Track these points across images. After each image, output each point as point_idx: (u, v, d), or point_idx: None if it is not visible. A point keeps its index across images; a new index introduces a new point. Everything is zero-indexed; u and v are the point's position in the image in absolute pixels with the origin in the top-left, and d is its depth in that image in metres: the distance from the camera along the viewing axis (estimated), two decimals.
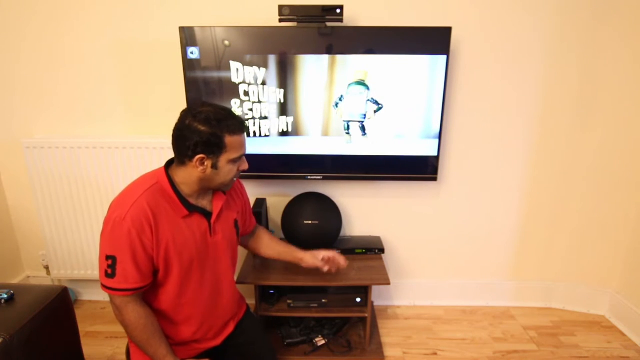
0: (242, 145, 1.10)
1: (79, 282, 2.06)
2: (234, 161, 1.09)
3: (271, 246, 1.47)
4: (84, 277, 1.95)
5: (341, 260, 1.45)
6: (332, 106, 1.67)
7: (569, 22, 1.68)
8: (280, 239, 1.56)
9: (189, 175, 1.08)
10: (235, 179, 1.15)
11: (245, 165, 1.14)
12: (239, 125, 1.07)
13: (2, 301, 1.12)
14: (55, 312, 1.17)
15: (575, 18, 1.67)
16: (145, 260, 1.03)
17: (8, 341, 0.99)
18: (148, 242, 1.02)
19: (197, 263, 1.13)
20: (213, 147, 1.04)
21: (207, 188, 1.13)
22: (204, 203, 1.15)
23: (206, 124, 1.02)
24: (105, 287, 1.03)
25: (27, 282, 2.08)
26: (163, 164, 1.14)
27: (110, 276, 1.01)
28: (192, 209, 1.11)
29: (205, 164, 1.05)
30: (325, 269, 1.44)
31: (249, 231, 1.45)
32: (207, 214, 1.15)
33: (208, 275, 1.18)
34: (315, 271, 1.64)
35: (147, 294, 1.11)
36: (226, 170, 1.09)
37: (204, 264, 1.15)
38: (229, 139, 1.05)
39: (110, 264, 1.01)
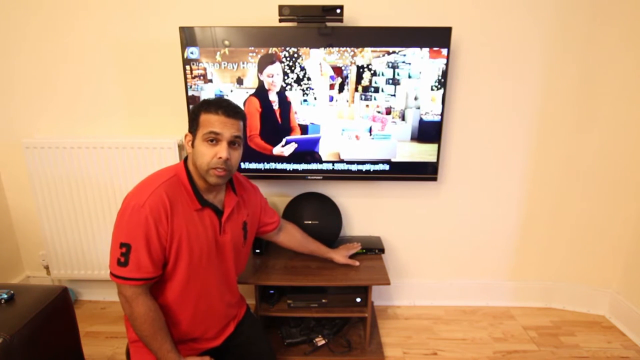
0: (214, 124, 1.05)
1: (79, 282, 2.06)
2: (207, 141, 1.06)
3: (303, 244, 1.60)
4: (84, 277, 1.95)
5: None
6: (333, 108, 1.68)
7: (568, 22, 1.68)
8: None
9: (191, 161, 1.12)
10: (217, 171, 1.07)
11: (221, 153, 1.05)
12: (215, 105, 1.07)
13: (2, 301, 1.12)
14: (55, 312, 1.17)
15: (574, 19, 1.67)
16: (158, 250, 1.04)
17: (8, 341, 0.99)
18: (163, 232, 1.04)
19: (205, 259, 1.14)
20: (192, 124, 1.10)
21: (201, 175, 1.10)
22: (215, 201, 1.17)
23: (197, 103, 1.12)
24: (115, 277, 1.03)
25: (27, 282, 2.08)
26: (163, 164, 1.15)
27: (123, 264, 1.01)
28: (204, 203, 1.12)
29: (189, 143, 1.11)
30: (357, 264, 1.64)
31: (274, 228, 1.48)
32: (218, 212, 1.17)
33: (213, 274, 1.18)
34: (315, 271, 1.64)
35: (153, 289, 1.11)
36: (200, 150, 1.07)
37: (211, 261, 1.16)
38: (203, 116, 1.07)
39: (124, 252, 1.01)
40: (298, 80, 1.64)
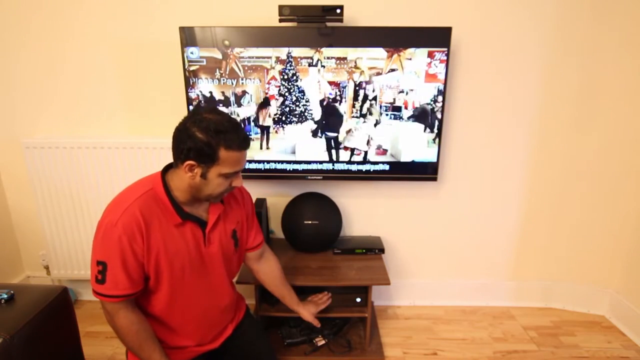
0: (238, 162, 1.03)
1: (79, 282, 2.06)
2: (225, 176, 1.04)
3: (279, 285, 1.44)
4: (84, 277, 1.95)
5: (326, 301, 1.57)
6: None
7: (568, 23, 1.68)
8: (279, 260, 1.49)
9: (180, 180, 1.05)
10: (225, 194, 1.10)
11: (239, 182, 1.08)
12: (238, 141, 1.00)
13: (2, 301, 1.12)
14: (55, 312, 1.17)
15: (574, 20, 1.67)
16: (135, 267, 1.02)
17: (8, 341, 0.99)
18: (139, 250, 1.01)
19: (188, 272, 1.11)
20: (204, 157, 0.99)
21: (196, 197, 1.08)
22: (199, 212, 1.12)
23: (204, 132, 0.97)
24: (96, 293, 1.02)
25: (27, 282, 2.08)
26: (163, 164, 1.13)
27: (101, 282, 1.00)
28: (185, 217, 1.08)
29: (195, 171, 1.02)
30: (318, 326, 1.51)
31: (253, 246, 1.35)
32: (202, 223, 1.12)
33: (202, 284, 1.16)
34: (315, 271, 1.64)
35: (140, 299, 1.10)
36: (215, 183, 1.04)
37: (197, 273, 1.13)
38: (223, 153, 0.99)
39: (100, 270, 1.00)
40: (298, 114, 1.66)
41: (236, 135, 1.00)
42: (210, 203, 1.15)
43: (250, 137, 1.09)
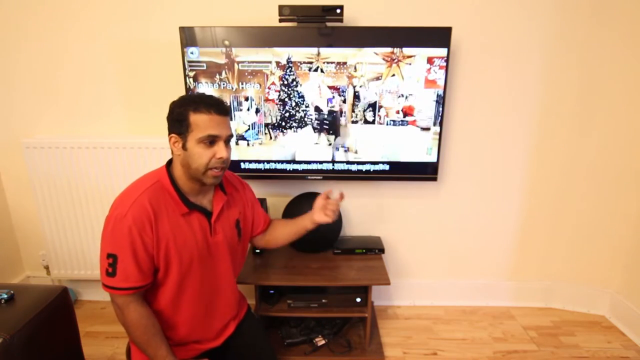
0: (209, 125, 1.02)
1: (79, 282, 2.06)
2: (203, 142, 1.03)
3: (285, 232, 1.39)
4: (84, 277, 1.95)
5: (336, 197, 1.34)
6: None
7: (568, 22, 1.68)
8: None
9: (177, 164, 1.08)
10: (215, 170, 1.06)
11: (221, 153, 1.04)
12: (205, 105, 1.02)
13: (2, 301, 1.12)
14: (55, 312, 1.17)
15: (575, 19, 1.67)
16: (145, 259, 1.03)
17: (8, 341, 0.99)
18: (149, 241, 1.02)
19: (196, 263, 1.13)
20: (180, 126, 1.03)
21: (193, 178, 1.08)
22: (204, 202, 1.15)
23: (177, 103, 1.05)
24: (106, 287, 1.03)
25: (27, 282, 2.08)
26: (163, 164, 1.14)
27: (111, 275, 1.01)
28: (191, 206, 1.10)
29: (177, 145, 1.05)
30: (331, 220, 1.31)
31: (262, 230, 1.38)
32: (207, 214, 1.15)
33: (207, 276, 1.17)
34: (315, 271, 1.64)
35: (146, 294, 1.11)
36: (196, 152, 1.03)
37: (204, 264, 1.15)
38: (193, 117, 1.02)
39: (111, 263, 1.00)
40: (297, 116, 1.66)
41: (205, 100, 1.04)
42: (214, 194, 1.17)
43: (226, 105, 1.08)
